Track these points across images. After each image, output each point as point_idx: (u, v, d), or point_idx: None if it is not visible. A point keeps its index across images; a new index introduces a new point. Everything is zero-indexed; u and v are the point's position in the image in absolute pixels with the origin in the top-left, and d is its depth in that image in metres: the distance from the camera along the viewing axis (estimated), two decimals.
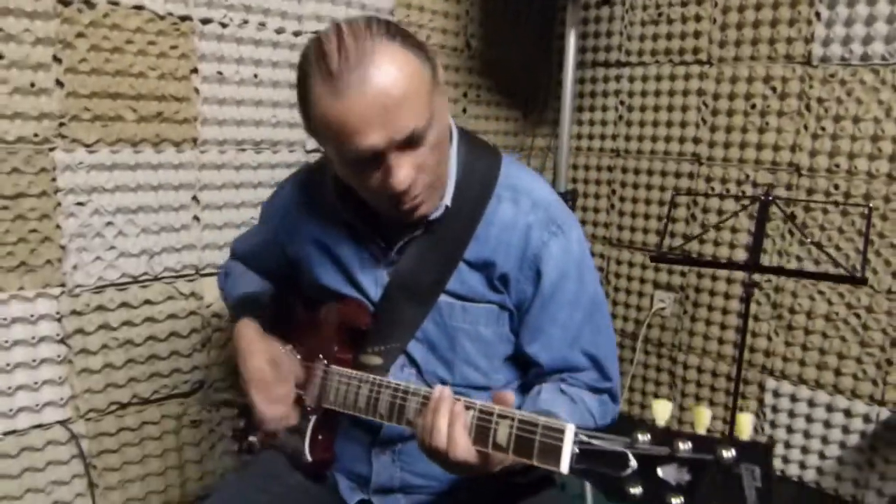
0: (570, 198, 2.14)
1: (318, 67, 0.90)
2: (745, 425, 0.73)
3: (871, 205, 1.72)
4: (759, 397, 2.25)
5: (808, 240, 1.91)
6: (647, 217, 2.50)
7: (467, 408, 0.85)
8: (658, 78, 2.43)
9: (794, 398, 2.18)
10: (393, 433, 1.09)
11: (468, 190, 1.06)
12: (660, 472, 0.72)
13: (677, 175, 2.40)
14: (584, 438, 0.75)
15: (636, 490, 0.73)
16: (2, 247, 1.50)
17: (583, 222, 2.68)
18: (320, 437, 1.09)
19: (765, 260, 2.11)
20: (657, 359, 2.52)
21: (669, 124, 2.41)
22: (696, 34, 2.31)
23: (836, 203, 1.90)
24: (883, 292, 1.97)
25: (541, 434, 0.77)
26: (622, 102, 2.53)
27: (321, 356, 1.10)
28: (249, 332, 1.16)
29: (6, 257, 1.51)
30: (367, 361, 1.09)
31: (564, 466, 0.75)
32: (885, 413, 2.01)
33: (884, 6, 1.92)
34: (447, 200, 1.05)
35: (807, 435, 2.17)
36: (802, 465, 2.19)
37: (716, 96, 2.28)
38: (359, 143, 0.90)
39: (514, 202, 1.07)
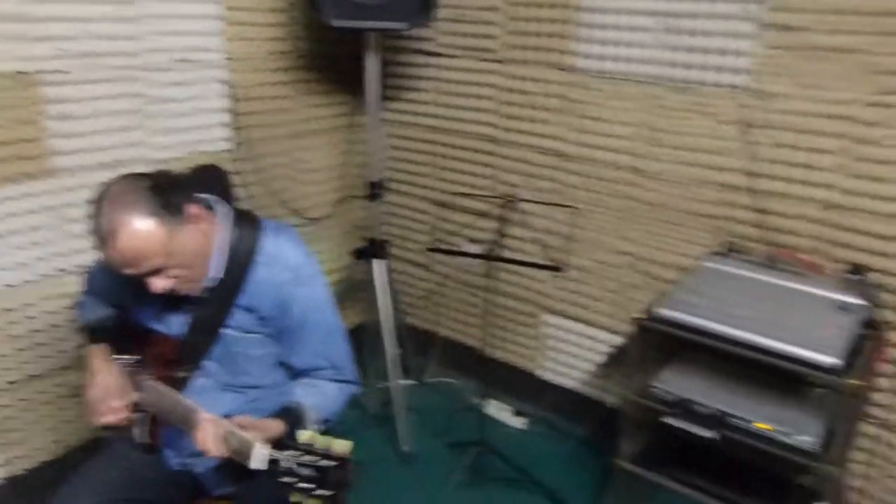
0: (377, 188, 2.65)
1: (89, 222, 1.40)
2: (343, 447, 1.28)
3: (577, 206, 2.31)
4: (538, 324, 2.92)
5: (531, 234, 2.50)
6: (461, 184, 3.03)
7: (219, 426, 1.41)
8: (465, 70, 2.88)
9: (560, 328, 2.87)
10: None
11: (237, 260, 1.57)
12: (298, 468, 1.28)
13: (478, 151, 2.92)
14: (265, 452, 1.31)
15: (288, 479, 1.26)
16: None
17: (411, 184, 3.21)
18: (151, 427, 1.64)
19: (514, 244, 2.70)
20: (470, 297, 3.14)
21: (473, 109, 2.90)
22: (491, 37, 2.76)
23: (551, 204, 2.49)
24: (634, 255, 2.61)
25: (246, 448, 1.34)
26: (436, 87, 2.99)
27: (148, 372, 1.63)
28: (97, 361, 1.66)
29: None
30: (177, 375, 1.63)
31: (254, 465, 1.32)
32: (617, 339, 2.70)
33: (626, 34, 2.42)
34: (219, 274, 1.55)
35: (571, 354, 2.88)
36: (569, 377, 2.91)
37: (507, 90, 2.77)
38: (120, 271, 1.42)
39: (269, 266, 1.59)
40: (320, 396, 1.64)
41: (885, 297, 2.09)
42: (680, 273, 2.45)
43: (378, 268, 2.71)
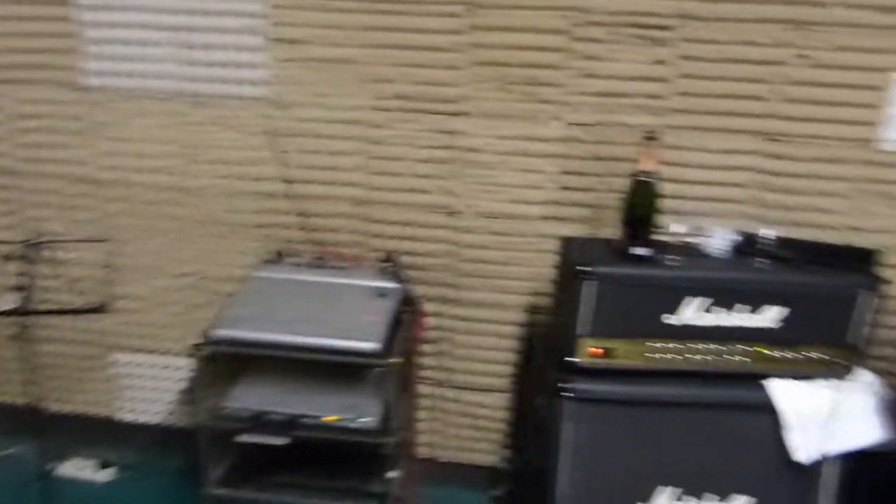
0: None
1: None
2: None
3: (106, 239, 2.17)
4: (105, 366, 2.67)
5: (71, 273, 2.29)
6: None
7: None
8: None
9: (131, 364, 2.67)
10: None
11: None
12: None
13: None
14: None
15: None
16: None
17: None
18: None
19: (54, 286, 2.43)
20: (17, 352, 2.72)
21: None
22: None
23: (81, 241, 2.30)
24: (194, 274, 2.51)
25: None
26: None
27: None
28: None
29: None
30: None
31: None
32: (184, 362, 2.61)
33: (138, 49, 2.30)
34: None
35: (150, 389, 2.69)
36: (152, 412, 2.73)
37: (17, 115, 2.41)
38: None
39: None
40: None
41: (413, 274, 2.38)
42: (240, 285, 2.46)
43: None
